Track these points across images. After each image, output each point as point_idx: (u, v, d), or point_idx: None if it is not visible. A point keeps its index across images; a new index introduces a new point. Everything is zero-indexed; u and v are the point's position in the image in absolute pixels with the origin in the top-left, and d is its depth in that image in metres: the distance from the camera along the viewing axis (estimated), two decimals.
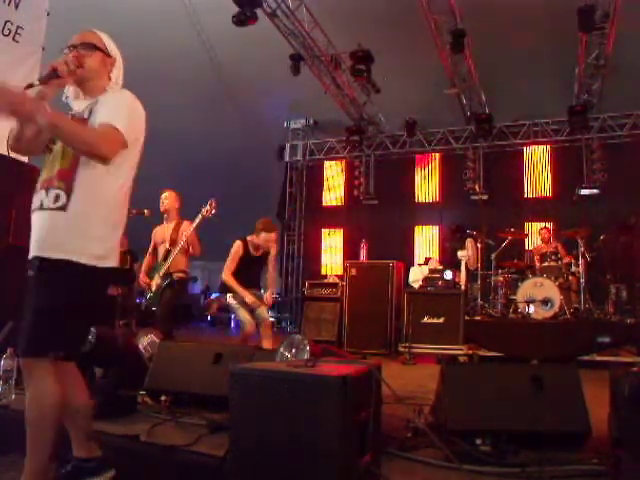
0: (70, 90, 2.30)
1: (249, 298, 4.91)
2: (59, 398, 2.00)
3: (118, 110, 2.13)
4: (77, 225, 2.03)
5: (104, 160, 2.02)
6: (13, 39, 5.42)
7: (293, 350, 2.29)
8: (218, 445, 2.19)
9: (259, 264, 5.27)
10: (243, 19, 8.04)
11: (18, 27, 5.45)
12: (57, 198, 2.04)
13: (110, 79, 2.29)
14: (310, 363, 1.89)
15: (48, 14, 5.78)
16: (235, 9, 8.03)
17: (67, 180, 2.06)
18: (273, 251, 5.32)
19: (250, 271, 5.15)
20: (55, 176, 2.08)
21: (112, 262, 2.12)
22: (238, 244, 5.18)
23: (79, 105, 2.24)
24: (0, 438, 2.12)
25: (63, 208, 2.03)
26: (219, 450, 2.11)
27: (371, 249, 10.70)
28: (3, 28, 5.34)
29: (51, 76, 2.12)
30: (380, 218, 12.12)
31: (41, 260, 2.00)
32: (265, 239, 5.08)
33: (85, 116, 2.15)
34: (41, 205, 2.07)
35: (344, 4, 9.04)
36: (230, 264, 5.10)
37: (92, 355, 2.62)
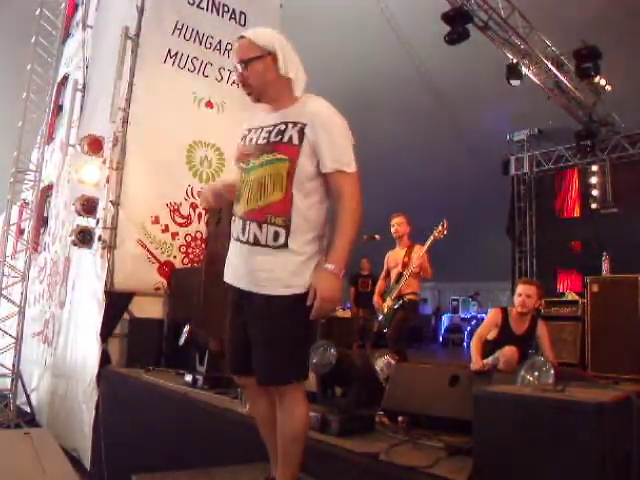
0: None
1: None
2: (308, 418, 2.11)
3: (340, 146, 2.06)
4: (299, 260, 2.03)
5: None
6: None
7: (535, 373, 2.15)
8: (457, 469, 2.13)
9: (523, 345, 4.28)
10: (455, 37, 8.00)
11: None
12: (276, 236, 2.02)
13: (282, 77, 2.10)
14: (560, 387, 1.76)
15: None
16: (446, 28, 8.04)
17: (283, 214, 2.02)
18: (544, 332, 4.42)
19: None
20: (267, 208, 2.03)
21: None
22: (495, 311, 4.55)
23: (265, 119, 2.16)
24: (256, 447, 2.33)
25: (285, 245, 2.02)
26: (459, 474, 2.05)
27: (614, 263, 9.65)
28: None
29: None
30: (622, 228, 10.89)
31: (270, 297, 2.03)
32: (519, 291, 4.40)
33: (285, 138, 2.04)
34: (256, 240, 2.05)
35: (561, 3, 8.50)
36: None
37: (333, 375, 2.77)
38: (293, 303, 2.02)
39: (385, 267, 5.81)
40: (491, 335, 4.44)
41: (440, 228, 5.39)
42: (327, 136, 2.03)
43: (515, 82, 9.19)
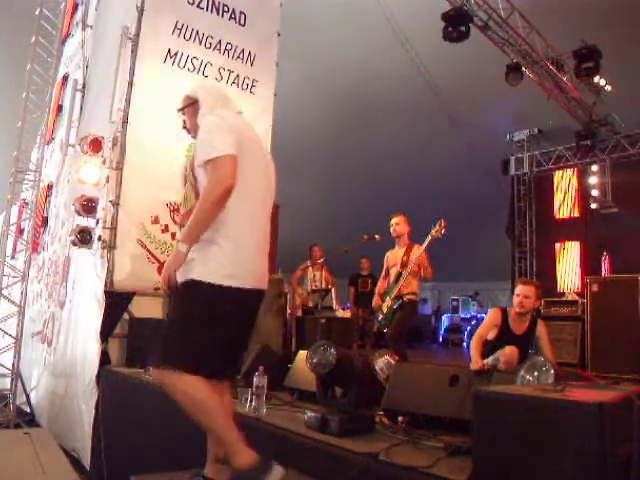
0: None
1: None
2: (201, 386, 2.17)
3: (204, 140, 2.34)
4: (201, 251, 2.23)
5: (230, 191, 2.20)
6: (250, 92, 6.14)
7: (535, 373, 2.14)
8: (458, 469, 2.13)
9: (523, 345, 4.29)
10: (455, 36, 8.00)
11: (254, 81, 6.17)
12: None
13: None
14: (559, 387, 1.76)
15: (277, 65, 6.42)
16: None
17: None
18: (544, 332, 4.45)
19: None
20: (185, 215, 2.47)
21: (241, 282, 2.24)
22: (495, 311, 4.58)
23: None
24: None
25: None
26: (459, 474, 2.05)
27: (614, 263, 9.67)
28: (242, 84, 6.09)
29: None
30: (622, 228, 10.88)
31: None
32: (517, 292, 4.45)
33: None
34: None
35: (561, 3, 8.51)
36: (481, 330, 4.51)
37: (333, 375, 2.78)
38: (182, 288, 2.24)
39: (385, 267, 5.81)
40: (491, 335, 4.44)
41: (437, 227, 5.38)
42: (197, 142, 2.41)
43: (515, 82, 9.19)
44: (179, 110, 2.64)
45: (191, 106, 2.57)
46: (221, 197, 2.20)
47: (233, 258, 2.23)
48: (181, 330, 2.21)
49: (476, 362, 4.14)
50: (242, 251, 2.26)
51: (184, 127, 2.66)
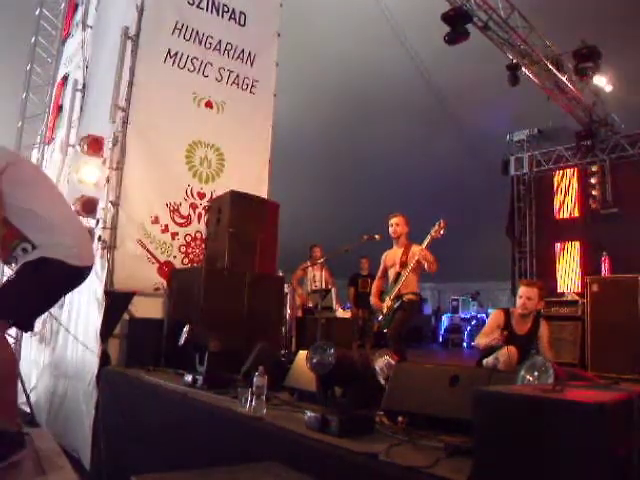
0: None
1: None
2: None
3: None
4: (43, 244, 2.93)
5: None
6: (250, 92, 6.14)
7: (535, 373, 2.14)
8: (457, 469, 2.12)
9: (525, 345, 4.31)
10: (455, 38, 8.01)
11: (254, 81, 6.17)
12: None
13: None
14: (559, 387, 1.75)
15: (277, 65, 6.43)
16: (445, 28, 8.05)
17: None
18: (545, 333, 4.49)
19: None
20: None
21: (55, 254, 2.89)
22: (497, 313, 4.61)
23: None
24: (256, 447, 2.34)
25: None
26: (458, 474, 2.05)
27: (614, 263, 9.67)
28: (242, 84, 6.09)
29: None
30: (622, 228, 10.89)
31: None
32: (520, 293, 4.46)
33: None
34: None
35: (561, 3, 8.51)
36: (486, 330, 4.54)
37: (333, 375, 2.77)
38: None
39: (382, 266, 5.80)
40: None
41: (437, 227, 5.38)
42: None
43: (514, 82, 9.20)
44: None
45: None
46: None
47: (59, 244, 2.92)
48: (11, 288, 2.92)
49: (480, 342, 4.29)
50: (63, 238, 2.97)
51: None
